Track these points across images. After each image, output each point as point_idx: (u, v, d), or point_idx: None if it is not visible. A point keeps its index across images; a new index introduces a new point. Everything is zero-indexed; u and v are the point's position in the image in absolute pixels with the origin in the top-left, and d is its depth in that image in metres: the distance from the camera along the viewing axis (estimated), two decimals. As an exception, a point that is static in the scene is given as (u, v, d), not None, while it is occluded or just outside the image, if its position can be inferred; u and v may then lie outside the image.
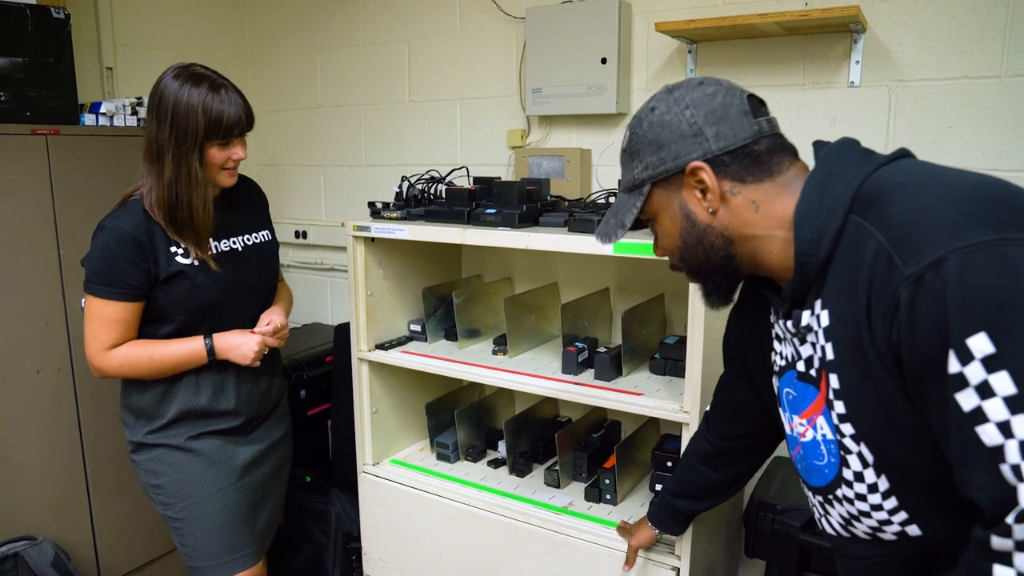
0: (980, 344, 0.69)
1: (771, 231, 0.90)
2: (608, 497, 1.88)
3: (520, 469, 2.04)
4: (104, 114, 2.23)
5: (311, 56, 2.89)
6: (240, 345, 1.64)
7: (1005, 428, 0.68)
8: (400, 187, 2.12)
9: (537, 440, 2.12)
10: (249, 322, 1.71)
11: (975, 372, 0.69)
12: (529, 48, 2.24)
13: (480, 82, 2.47)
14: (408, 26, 2.61)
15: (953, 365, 0.71)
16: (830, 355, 0.86)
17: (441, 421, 2.19)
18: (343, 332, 2.22)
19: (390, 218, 1.99)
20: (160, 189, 1.53)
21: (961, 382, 0.71)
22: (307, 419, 2.43)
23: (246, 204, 1.76)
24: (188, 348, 1.61)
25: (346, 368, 2.12)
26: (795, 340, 0.94)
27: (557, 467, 1.97)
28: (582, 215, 1.73)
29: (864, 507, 0.91)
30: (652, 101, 0.95)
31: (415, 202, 2.09)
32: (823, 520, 1.01)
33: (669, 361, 1.81)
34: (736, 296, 1.02)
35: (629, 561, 1.62)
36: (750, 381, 1.20)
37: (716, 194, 0.91)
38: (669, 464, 1.81)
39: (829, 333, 0.86)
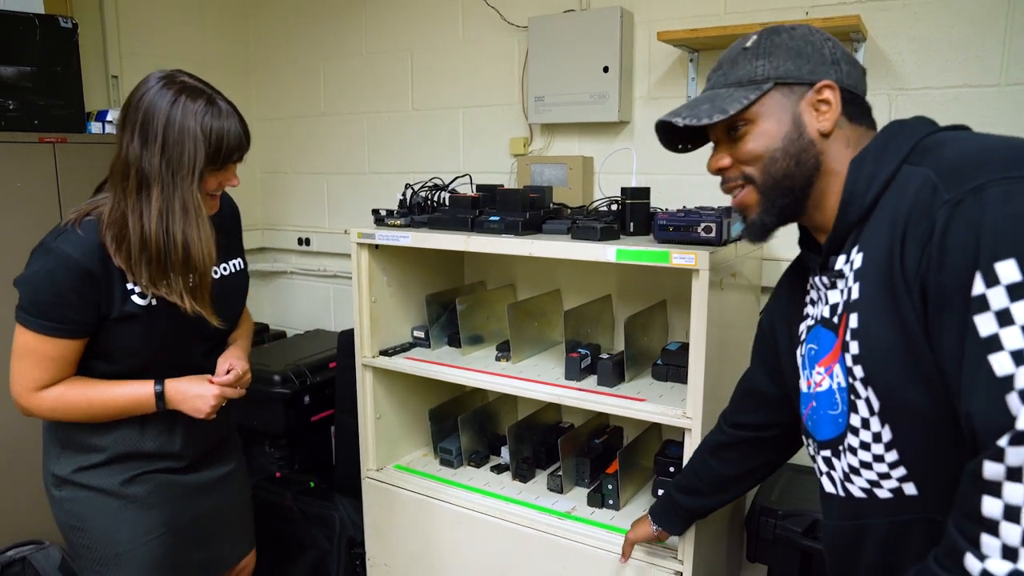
0: (1008, 270, 0.70)
1: (846, 171, 0.95)
2: (611, 502, 1.89)
3: (523, 474, 2.05)
4: (110, 122, 2.26)
5: (315, 65, 2.91)
6: (195, 398, 1.40)
7: (1019, 356, 0.69)
8: (404, 194, 2.14)
9: (540, 446, 2.13)
10: (204, 361, 1.48)
11: (998, 297, 0.70)
12: (531, 57, 2.27)
13: (483, 91, 2.49)
14: (411, 35, 2.64)
15: (977, 286, 0.72)
16: (855, 295, 0.89)
17: (444, 427, 2.20)
18: (347, 338, 2.23)
19: (394, 225, 2.00)
20: (146, 225, 1.27)
21: (982, 305, 0.72)
22: (310, 425, 2.45)
23: (220, 227, 1.41)
24: (134, 394, 1.37)
25: (350, 374, 2.13)
26: (826, 291, 0.97)
27: (560, 472, 1.98)
28: (585, 222, 1.75)
29: (867, 457, 0.92)
30: (793, 24, 1.01)
31: (419, 209, 2.10)
32: (824, 477, 1.03)
33: (671, 367, 1.82)
34: (772, 237, 1.03)
35: (625, 554, 1.64)
36: (772, 368, 1.21)
37: (834, 116, 0.95)
38: (671, 469, 1.82)
39: (858, 274, 0.89)
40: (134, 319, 1.33)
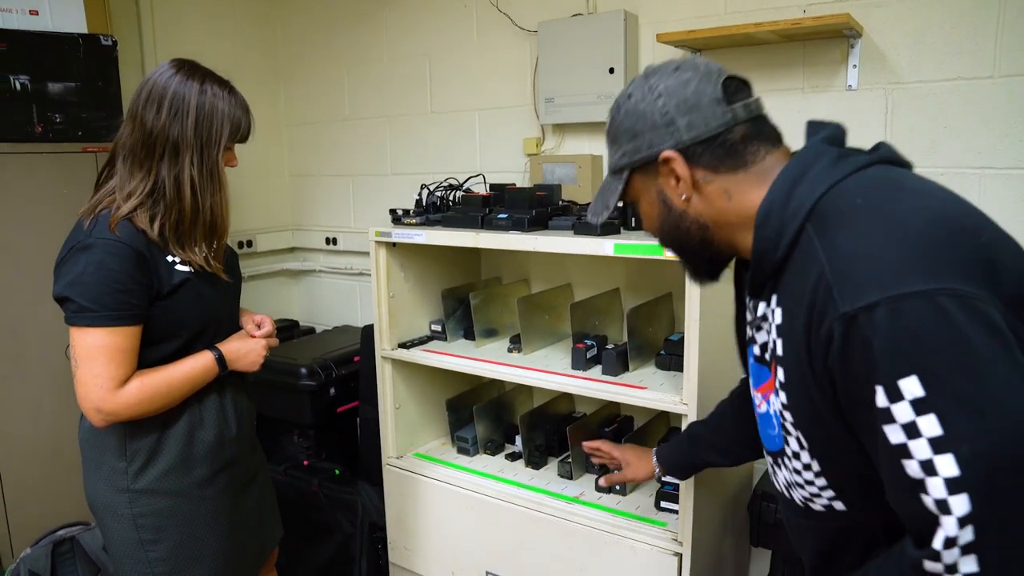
0: (911, 386, 0.72)
1: (743, 220, 0.92)
2: (617, 488, 1.96)
3: (535, 462, 2.14)
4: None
5: (339, 71, 3.04)
6: (248, 352, 1.51)
7: (928, 466, 0.72)
8: (420, 194, 2.24)
9: (552, 434, 2.22)
10: (234, 325, 1.59)
11: (903, 412, 0.73)
12: (542, 60, 2.35)
13: (497, 93, 2.59)
14: (429, 41, 2.74)
15: (881, 400, 0.74)
16: (779, 351, 0.90)
17: (461, 416, 2.30)
18: (369, 333, 2.35)
19: (409, 224, 2.11)
20: (183, 190, 1.37)
21: (888, 417, 0.74)
22: (337, 416, 2.57)
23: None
24: (198, 364, 1.43)
25: (372, 367, 2.24)
26: (754, 326, 1.00)
27: (570, 460, 2.06)
28: (588, 218, 1.83)
29: (799, 479, 0.98)
30: (630, 86, 0.97)
31: (434, 208, 2.21)
32: (773, 477, 1.08)
33: (674, 357, 1.89)
34: (719, 276, 1.05)
35: (609, 480, 1.70)
36: None
37: (688, 183, 0.93)
38: (675, 455, 1.88)
39: (780, 330, 0.89)
40: (184, 286, 1.40)
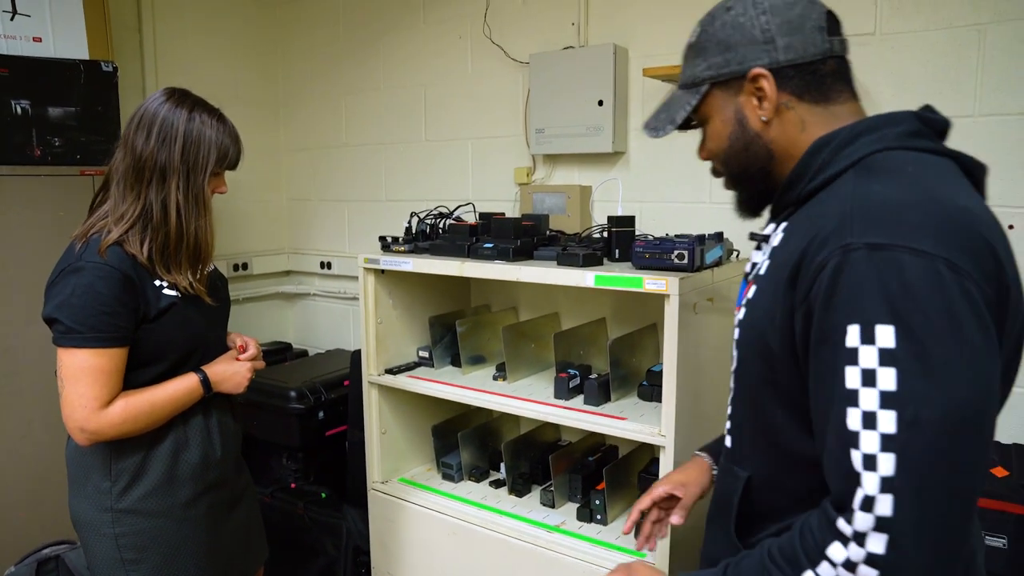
0: (885, 334, 0.73)
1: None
2: (599, 517, 1.96)
3: (519, 489, 2.14)
4: (145, 156, 2.45)
5: (337, 99, 3.09)
6: (232, 375, 1.53)
7: (869, 419, 0.73)
8: (410, 222, 2.27)
9: (537, 462, 2.22)
10: (220, 348, 1.60)
11: (869, 356, 0.73)
12: (533, 91, 2.39)
13: (490, 123, 2.63)
14: (424, 70, 2.79)
15: (852, 338, 0.74)
16: (763, 270, 0.91)
17: (447, 443, 2.30)
18: (358, 357, 2.36)
19: (397, 251, 2.14)
20: (170, 213, 1.40)
21: (853, 358, 0.74)
22: (325, 439, 2.58)
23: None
24: (183, 386, 1.45)
25: (361, 391, 2.26)
26: (756, 243, 1.01)
27: (552, 488, 2.06)
28: (572, 249, 1.85)
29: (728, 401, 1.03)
30: (731, 0, 0.95)
31: (423, 236, 2.23)
32: None
33: (656, 388, 1.89)
34: (762, 212, 1.03)
35: (682, 518, 1.20)
36: None
37: (772, 104, 0.91)
38: (655, 486, 1.89)
39: (773, 252, 0.90)
40: (171, 310, 1.42)
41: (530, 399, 1.95)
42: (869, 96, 0.98)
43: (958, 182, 0.85)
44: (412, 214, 2.28)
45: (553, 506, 2.05)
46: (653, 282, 1.61)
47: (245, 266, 3.16)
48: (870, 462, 0.72)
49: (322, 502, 2.48)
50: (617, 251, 1.88)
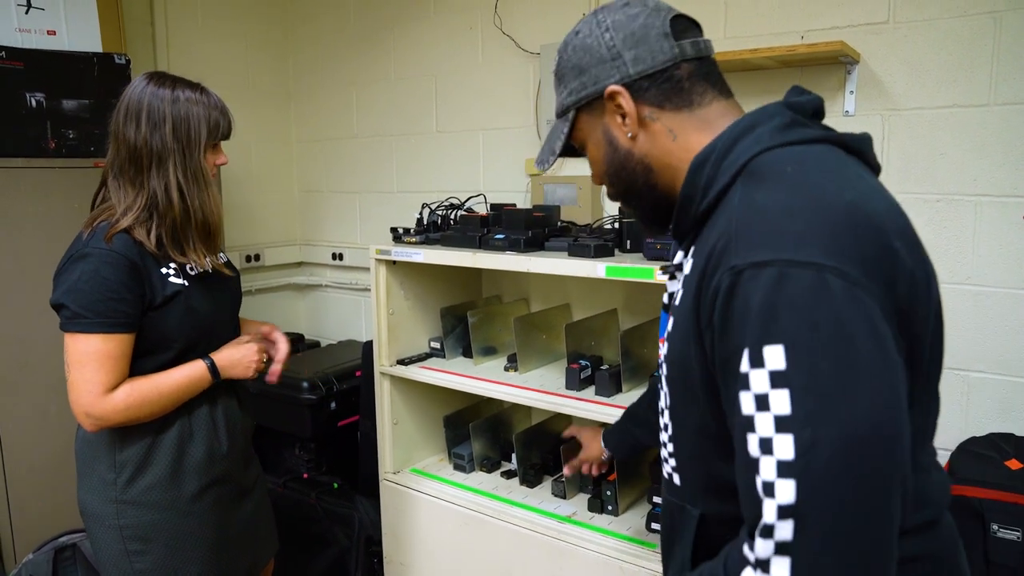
0: (774, 356, 0.69)
1: (686, 163, 0.89)
2: (610, 508, 1.97)
3: (530, 480, 2.15)
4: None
5: (347, 90, 3.10)
6: (240, 359, 1.53)
7: (766, 445, 0.70)
8: (421, 213, 2.28)
9: (548, 453, 2.23)
10: (232, 336, 1.61)
11: (760, 381, 0.70)
12: (543, 81, 2.38)
13: (501, 113, 2.62)
14: (435, 61, 2.79)
15: (744, 364, 0.72)
16: (677, 300, 0.89)
17: (459, 433, 2.31)
18: (370, 348, 2.37)
19: (409, 242, 2.14)
20: (172, 195, 1.41)
21: (746, 383, 0.72)
22: (337, 430, 2.59)
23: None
24: (190, 373, 1.45)
25: (373, 382, 2.27)
26: (669, 272, 0.98)
27: (563, 479, 2.07)
28: (583, 240, 1.85)
29: (664, 438, 0.97)
30: (579, 24, 0.95)
31: (434, 227, 2.24)
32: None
33: (667, 378, 1.90)
34: (668, 227, 0.99)
35: (571, 466, 1.69)
36: None
37: (634, 119, 0.91)
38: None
39: (685, 281, 0.88)
40: (177, 298, 1.43)
41: (541, 390, 1.95)
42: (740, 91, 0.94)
43: (843, 170, 0.81)
44: (423, 205, 2.28)
45: (564, 496, 2.06)
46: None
47: (257, 257, 3.17)
48: (769, 489, 0.69)
49: (334, 492, 2.49)
50: (628, 242, 1.88)
